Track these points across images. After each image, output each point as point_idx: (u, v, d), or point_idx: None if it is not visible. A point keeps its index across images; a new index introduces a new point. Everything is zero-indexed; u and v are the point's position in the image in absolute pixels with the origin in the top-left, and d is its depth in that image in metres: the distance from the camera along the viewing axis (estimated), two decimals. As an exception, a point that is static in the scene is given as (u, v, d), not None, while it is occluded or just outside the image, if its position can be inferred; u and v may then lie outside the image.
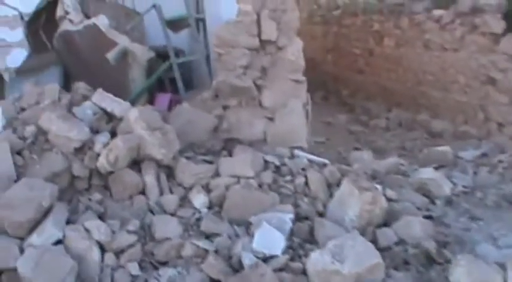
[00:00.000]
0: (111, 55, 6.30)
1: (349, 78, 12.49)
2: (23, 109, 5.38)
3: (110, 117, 5.36)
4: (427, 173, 6.11)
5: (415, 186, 5.86)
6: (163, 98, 6.77)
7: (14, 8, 6.30)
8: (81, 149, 4.99)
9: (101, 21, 6.38)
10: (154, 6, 6.51)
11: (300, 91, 6.18)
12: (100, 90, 5.42)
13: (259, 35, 5.95)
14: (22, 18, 6.34)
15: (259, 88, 6.05)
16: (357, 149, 8.25)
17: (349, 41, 12.35)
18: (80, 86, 5.69)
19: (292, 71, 6.08)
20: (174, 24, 6.84)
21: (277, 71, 6.10)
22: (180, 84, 6.67)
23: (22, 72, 6.46)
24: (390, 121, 10.37)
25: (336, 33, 12.94)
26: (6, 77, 6.37)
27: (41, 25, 6.77)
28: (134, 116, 5.08)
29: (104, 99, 5.36)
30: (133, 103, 5.96)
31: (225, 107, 6.07)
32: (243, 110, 6.07)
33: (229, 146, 5.93)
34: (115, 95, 5.66)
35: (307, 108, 6.32)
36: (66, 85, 6.87)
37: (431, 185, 5.78)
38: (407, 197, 5.56)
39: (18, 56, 6.37)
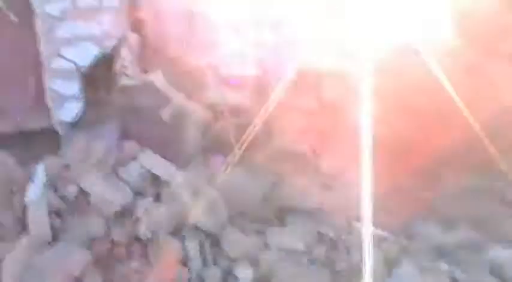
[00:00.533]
0: (165, 113, 6.08)
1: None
2: (67, 166, 5.18)
3: (155, 179, 5.10)
4: (505, 252, 5.53)
5: (489, 266, 5.30)
6: (218, 160, 6.45)
7: (71, 61, 6.19)
8: (122, 213, 4.73)
9: (157, 77, 6.20)
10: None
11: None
12: (148, 151, 5.19)
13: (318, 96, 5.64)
14: (78, 70, 6.21)
15: (316, 153, 5.68)
16: (422, 218, 7.69)
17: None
18: (129, 145, 5.47)
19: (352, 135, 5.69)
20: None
21: (336, 135, 5.73)
22: (235, 146, 6.34)
23: (77, 126, 6.30)
24: (462, 187, 9.73)
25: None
26: (59, 130, 6.22)
27: (98, 78, 6.63)
28: (180, 180, 4.81)
29: (151, 160, 5.14)
30: (186, 164, 5.71)
31: (278, 173, 5.71)
32: (298, 176, 5.70)
33: (281, 214, 5.55)
34: (168, 154, 5.42)
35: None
36: (122, 141, 6.70)
37: (508, 267, 5.22)
38: (478, 279, 5.03)
39: (72, 110, 6.23)
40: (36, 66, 6.25)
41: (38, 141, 6.53)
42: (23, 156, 6.55)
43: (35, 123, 6.36)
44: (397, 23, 5.55)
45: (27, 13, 6.13)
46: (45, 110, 6.27)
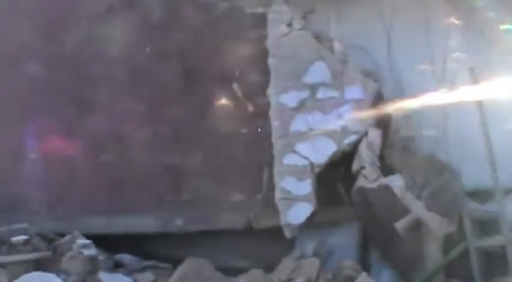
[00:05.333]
0: (400, 225, 5.21)
1: None
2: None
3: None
4: None
5: None
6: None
7: (305, 157, 5.65)
8: None
9: (395, 182, 5.35)
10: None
11: None
12: (364, 274, 4.35)
13: None
14: (313, 169, 5.65)
15: None
16: None
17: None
18: (347, 265, 4.68)
19: None
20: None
21: None
22: (477, 273, 5.17)
23: (307, 228, 5.70)
24: None
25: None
26: (286, 233, 5.67)
27: (339, 177, 6.00)
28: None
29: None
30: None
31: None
32: None
33: None
34: (405, 269, 4.51)
35: None
36: (363, 247, 5.98)
37: None
38: None
39: (302, 211, 5.65)
40: (269, 161, 5.83)
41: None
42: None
43: (264, 222, 5.93)
44: None
45: (263, 102, 5.79)
46: (274, 208, 5.78)
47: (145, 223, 6.03)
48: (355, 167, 5.73)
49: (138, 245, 6.25)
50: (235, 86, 6.05)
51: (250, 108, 6.01)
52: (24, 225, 5.57)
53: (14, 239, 5.31)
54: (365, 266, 5.54)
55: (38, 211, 6.38)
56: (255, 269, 4.80)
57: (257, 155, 5.95)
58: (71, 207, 6.32)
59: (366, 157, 5.60)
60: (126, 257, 5.59)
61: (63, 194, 6.38)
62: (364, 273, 4.47)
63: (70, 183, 6.35)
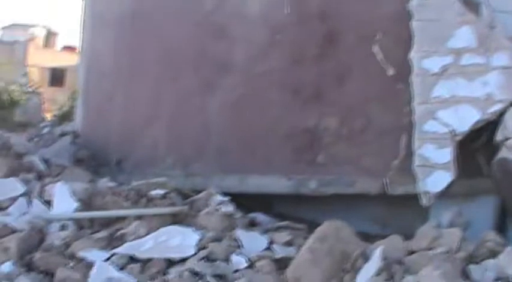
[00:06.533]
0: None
1: None
2: (412, 252, 4.45)
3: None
4: None
5: None
6: None
7: (447, 125, 5.45)
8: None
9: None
10: None
11: None
12: (510, 250, 4.16)
13: None
14: (454, 137, 5.44)
15: None
16: None
17: None
18: (489, 238, 4.49)
19: None
20: None
21: None
22: None
23: (442, 198, 5.53)
24: None
25: None
26: (423, 201, 5.52)
27: (479, 147, 5.76)
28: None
29: (512, 262, 4.08)
30: None
31: None
32: None
33: None
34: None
35: None
36: (501, 222, 5.80)
37: None
38: None
39: (440, 180, 5.47)
40: (408, 127, 5.68)
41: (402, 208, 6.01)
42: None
43: (399, 188, 5.82)
44: None
45: (404, 67, 5.63)
46: (410, 175, 5.64)
47: (278, 184, 6.04)
48: (498, 137, 5.47)
49: (269, 205, 6.33)
50: (375, 48, 5.90)
51: (391, 72, 5.85)
52: (162, 180, 5.74)
53: (153, 192, 5.48)
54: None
55: (172, 167, 6.56)
56: (394, 235, 4.67)
57: (396, 120, 5.81)
58: (205, 165, 6.45)
59: (511, 128, 5.35)
60: (260, 216, 5.63)
61: (197, 151, 6.52)
62: (509, 248, 4.26)
63: (205, 141, 6.47)
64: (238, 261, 4.36)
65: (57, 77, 37.31)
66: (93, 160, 7.33)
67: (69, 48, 40.49)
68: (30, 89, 21.73)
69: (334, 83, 5.97)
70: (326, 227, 4.44)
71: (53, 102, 22.16)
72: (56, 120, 13.66)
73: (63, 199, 5.39)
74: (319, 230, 4.45)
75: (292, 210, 6.20)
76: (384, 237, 4.84)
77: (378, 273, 4.15)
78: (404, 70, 5.65)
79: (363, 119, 5.91)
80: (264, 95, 6.18)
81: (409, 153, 5.67)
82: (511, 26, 5.60)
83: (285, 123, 6.10)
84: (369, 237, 5.25)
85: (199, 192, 5.60)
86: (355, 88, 5.96)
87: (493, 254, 4.35)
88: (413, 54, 5.59)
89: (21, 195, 5.50)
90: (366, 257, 4.35)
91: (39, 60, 37.49)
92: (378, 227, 5.99)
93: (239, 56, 6.33)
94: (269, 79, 6.16)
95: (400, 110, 5.77)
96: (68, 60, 35.78)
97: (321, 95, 6.02)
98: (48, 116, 17.25)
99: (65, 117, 15.40)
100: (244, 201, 5.83)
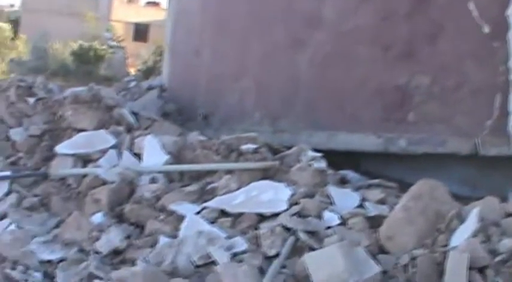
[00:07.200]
0: None
1: None
2: (509, 215, 4.32)
3: None
4: None
5: None
6: None
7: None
8: None
9: None
10: None
11: None
12: None
13: None
14: None
15: None
16: None
17: None
18: None
19: None
20: None
21: None
22: None
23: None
24: None
25: None
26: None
27: None
28: None
29: None
30: None
31: None
32: None
33: None
34: None
35: None
36: None
37: None
38: None
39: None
40: (504, 86, 5.50)
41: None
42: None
43: (491, 149, 5.67)
44: None
45: (500, 24, 5.44)
46: (504, 136, 5.49)
47: (367, 141, 5.99)
48: None
49: (357, 163, 6.26)
50: (471, 5, 5.69)
51: (486, 29, 5.65)
52: (253, 134, 5.72)
53: (243, 147, 5.46)
54: None
55: (259, 123, 6.57)
56: (489, 196, 4.54)
57: (490, 79, 5.62)
58: (293, 121, 6.43)
59: None
60: (350, 174, 5.57)
61: (285, 107, 6.50)
62: None
63: (293, 97, 6.44)
64: (331, 217, 4.29)
65: (140, 32, 37.52)
66: (179, 114, 7.40)
67: (152, 4, 40.75)
68: (114, 43, 22.06)
69: (427, 41, 5.82)
70: (421, 186, 4.34)
71: (136, 57, 22.47)
72: (140, 74, 13.87)
73: (153, 152, 5.41)
74: (413, 189, 4.34)
75: (380, 169, 6.11)
76: (475, 199, 4.72)
77: (474, 235, 4.03)
78: (501, 28, 5.46)
79: (456, 77, 5.75)
80: (353, 51, 6.09)
81: (504, 114, 5.51)
82: None
83: (374, 80, 6.00)
84: (459, 199, 5.15)
85: (288, 148, 5.57)
86: (448, 46, 5.79)
87: None
88: (510, 11, 5.37)
89: (111, 148, 5.54)
90: (461, 218, 4.24)
91: (123, 15, 37.81)
92: (467, 189, 5.84)
93: (329, 11, 6.23)
94: (359, 35, 6.05)
95: (496, 68, 5.58)
96: (152, 16, 36.05)
97: (413, 53, 5.88)
98: (132, 70, 17.53)
99: (149, 72, 15.62)
100: (333, 159, 5.81)
